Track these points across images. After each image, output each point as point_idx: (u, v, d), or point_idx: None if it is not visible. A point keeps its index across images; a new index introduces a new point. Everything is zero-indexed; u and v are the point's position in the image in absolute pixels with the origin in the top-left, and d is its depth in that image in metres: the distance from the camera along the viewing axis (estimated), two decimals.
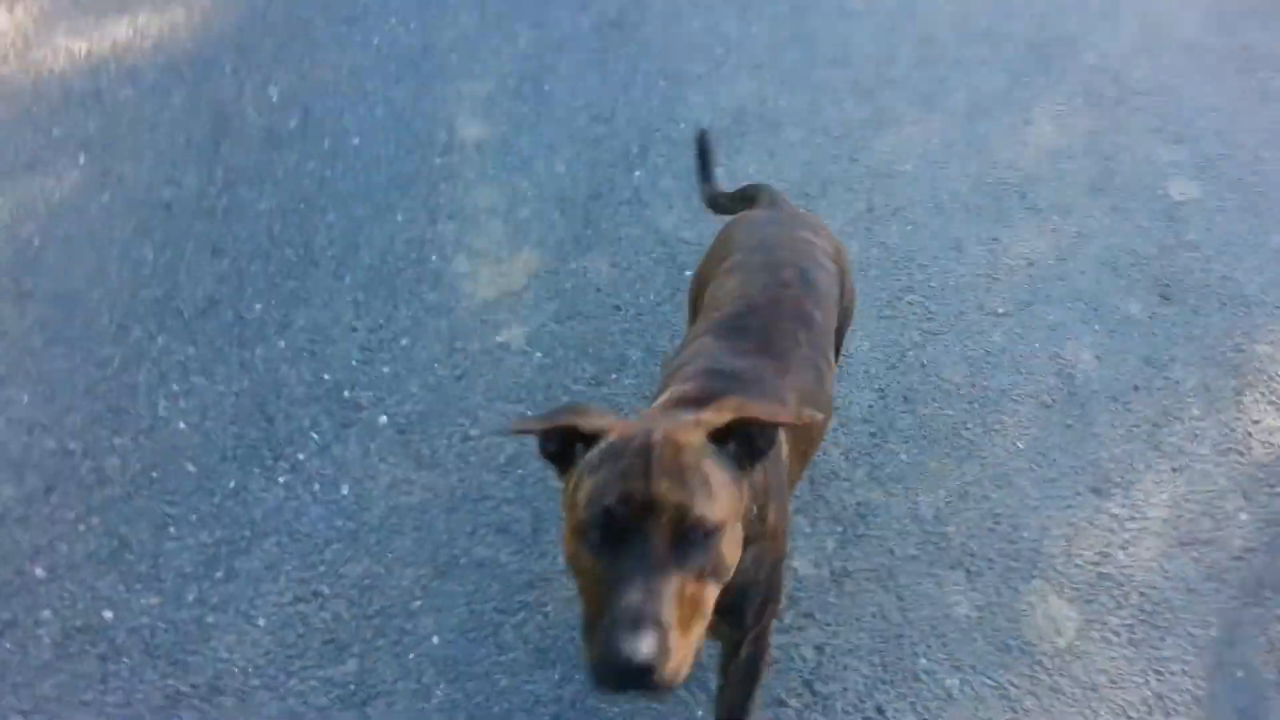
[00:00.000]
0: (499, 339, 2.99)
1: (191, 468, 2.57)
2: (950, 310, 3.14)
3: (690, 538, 1.21)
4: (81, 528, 2.41)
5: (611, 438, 1.32)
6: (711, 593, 1.25)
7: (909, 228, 3.42)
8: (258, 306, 3.06)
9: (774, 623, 1.87)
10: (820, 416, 1.60)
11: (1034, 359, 3.00)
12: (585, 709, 2.14)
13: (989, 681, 2.24)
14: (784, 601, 1.92)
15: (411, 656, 2.20)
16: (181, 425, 2.68)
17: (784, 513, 1.66)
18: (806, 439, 1.85)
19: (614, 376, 2.89)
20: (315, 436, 2.68)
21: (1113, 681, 2.25)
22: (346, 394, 2.81)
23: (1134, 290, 3.18)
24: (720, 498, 1.26)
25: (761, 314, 1.86)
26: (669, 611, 1.14)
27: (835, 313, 2.02)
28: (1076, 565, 2.47)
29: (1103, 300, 3.16)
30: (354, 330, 2.99)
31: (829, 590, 2.36)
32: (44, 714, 2.08)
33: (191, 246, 3.22)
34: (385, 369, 2.89)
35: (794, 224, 2.15)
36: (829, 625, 2.31)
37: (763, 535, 1.53)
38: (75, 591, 2.28)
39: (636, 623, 1.11)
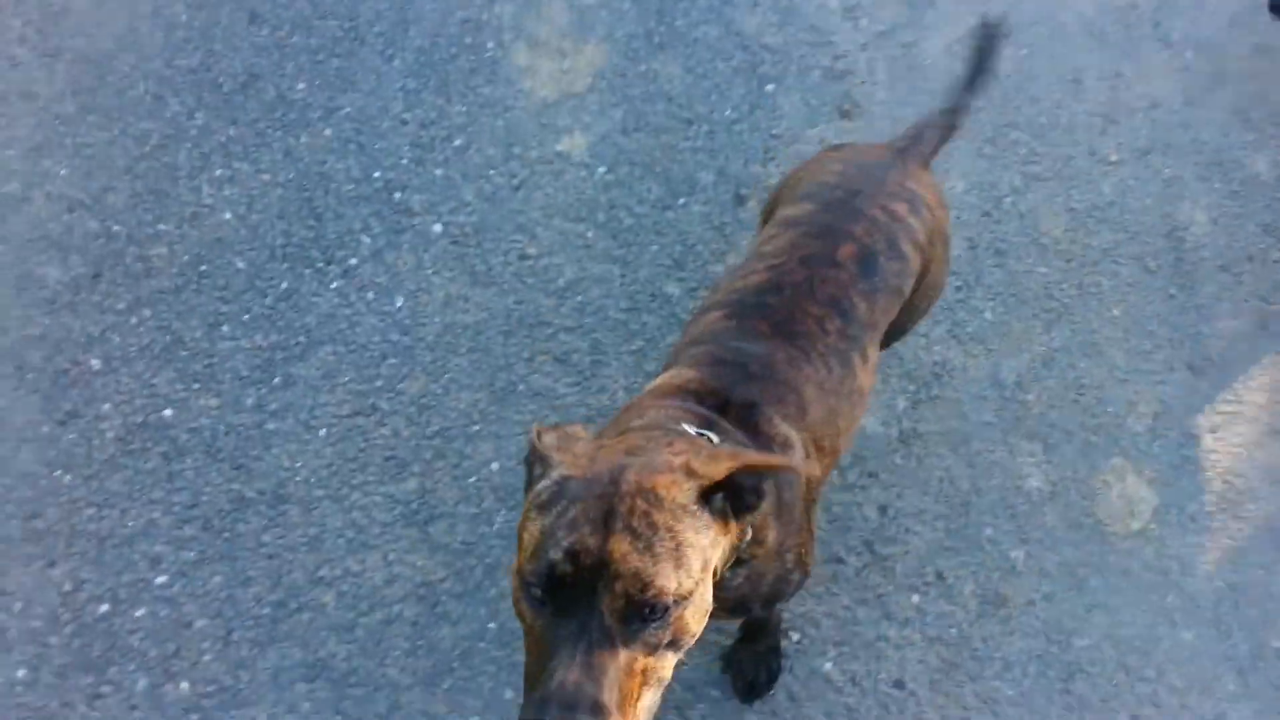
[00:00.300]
0: (559, 147, 3.11)
1: (241, 264, 2.76)
2: (1058, 153, 3.23)
3: (646, 612, 1.17)
4: (133, 320, 2.63)
5: (566, 469, 1.26)
6: (669, 663, 1.23)
7: (1024, 52, 3.44)
8: (301, 86, 3.16)
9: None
10: (812, 469, 1.58)
11: (1143, 216, 3.11)
12: None
13: (1055, 557, 2.51)
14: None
15: (472, 480, 2.46)
16: (227, 215, 2.85)
17: (793, 529, 1.63)
18: (831, 433, 1.77)
19: (681, 201, 3.02)
20: (367, 240, 2.86)
21: (1184, 568, 2.52)
22: (398, 196, 2.96)
23: (1265, 146, 3.24)
24: (691, 565, 1.21)
25: (789, 294, 1.77)
26: (610, 693, 1.13)
27: (894, 309, 1.90)
28: (1160, 445, 2.69)
29: (1228, 155, 3.24)
30: (404, 123, 3.11)
31: (896, 451, 2.59)
32: (115, 509, 2.37)
33: (227, 10, 3.28)
34: (438, 171, 3.03)
35: (897, 189, 1.94)
36: (894, 486, 2.56)
37: (760, 557, 1.53)
38: (133, 387, 2.53)
39: (571, 706, 1.10)
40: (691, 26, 3.39)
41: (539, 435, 1.33)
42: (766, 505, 1.45)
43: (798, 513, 1.65)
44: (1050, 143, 3.22)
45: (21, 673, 2.18)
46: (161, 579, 2.30)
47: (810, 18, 3.43)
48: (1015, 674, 2.37)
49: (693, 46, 3.34)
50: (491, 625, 2.29)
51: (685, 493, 1.24)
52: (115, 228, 2.79)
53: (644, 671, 1.18)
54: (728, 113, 3.20)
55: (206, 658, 2.22)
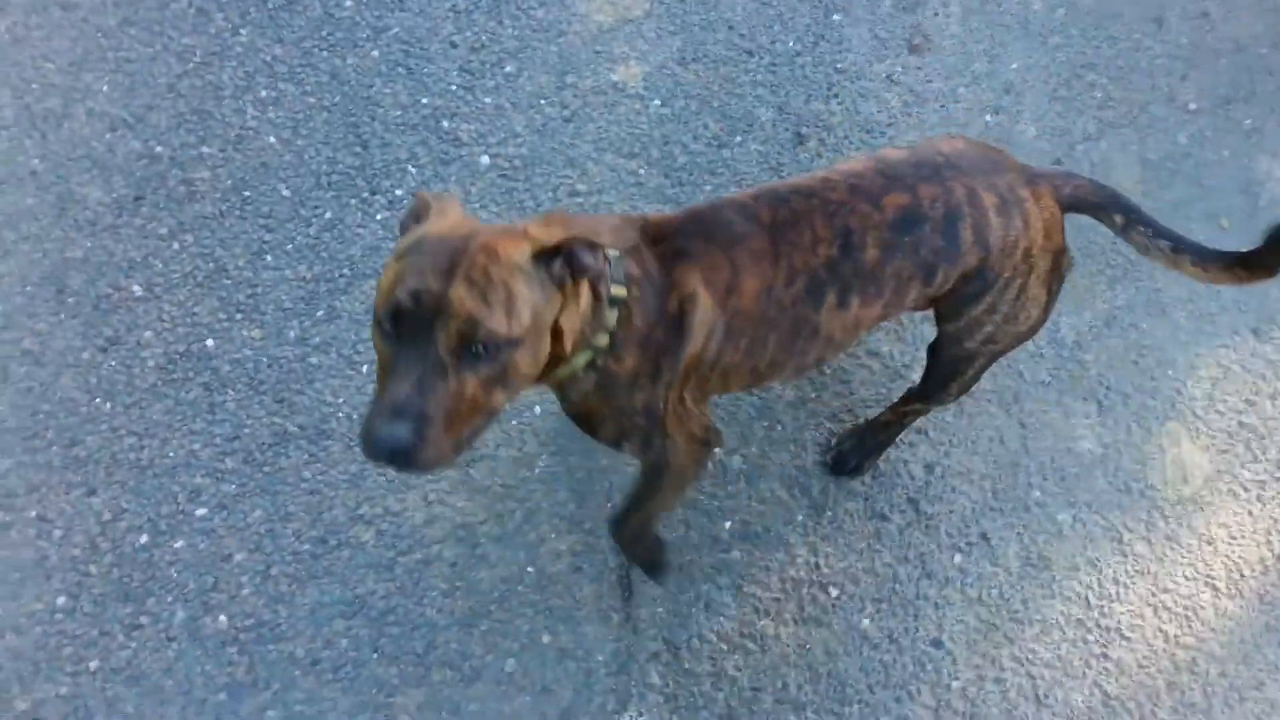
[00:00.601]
0: (614, 77, 3.07)
1: (285, 191, 2.78)
2: (1135, 99, 3.15)
3: (478, 349, 1.40)
4: (175, 245, 2.66)
5: (430, 229, 1.48)
6: (498, 397, 1.46)
7: None
8: (348, 3, 3.14)
9: (682, 463, 1.95)
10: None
11: (1219, 169, 3.04)
12: (684, 499, 2.45)
13: (1102, 521, 2.51)
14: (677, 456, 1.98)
15: (514, 423, 2.49)
16: (272, 139, 2.86)
17: (655, 376, 1.74)
18: (755, 341, 1.82)
19: (738, 139, 2.99)
20: (413, 170, 2.86)
21: (1232, 537, 2.52)
22: (446, 124, 2.95)
23: None
24: (521, 315, 1.43)
25: (813, 204, 1.79)
26: (435, 407, 1.37)
27: (911, 285, 1.84)
28: (1218, 411, 2.67)
29: None
30: (454, 46, 3.08)
31: (947, 409, 2.59)
32: (155, 439, 2.42)
33: None
34: (488, 99, 3.00)
35: (1001, 184, 1.85)
36: (942, 445, 2.56)
37: (614, 373, 1.71)
38: (175, 315, 2.57)
39: (399, 412, 1.36)
40: None
41: (422, 200, 1.55)
42: (635, 325, 1.67)
43: (668, 368, 1.75)
44: (1127, 86, 3.14)
45: (61, 600, 2.26)
46: (201, 511, 2.36)
47: None
48: (1054, 637, 2.39)
49: None
50: (530, 569, 2.34)
51: (521, 253, 1.46)
52: (158, 148, 2.80)
53: (473, 400, 1.41)
54: (791, 44, 3.14)
55: (245, 591, 2.29)
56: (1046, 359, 2.69)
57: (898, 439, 2.51)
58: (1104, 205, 1.98)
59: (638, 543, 2.25)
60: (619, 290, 1.65)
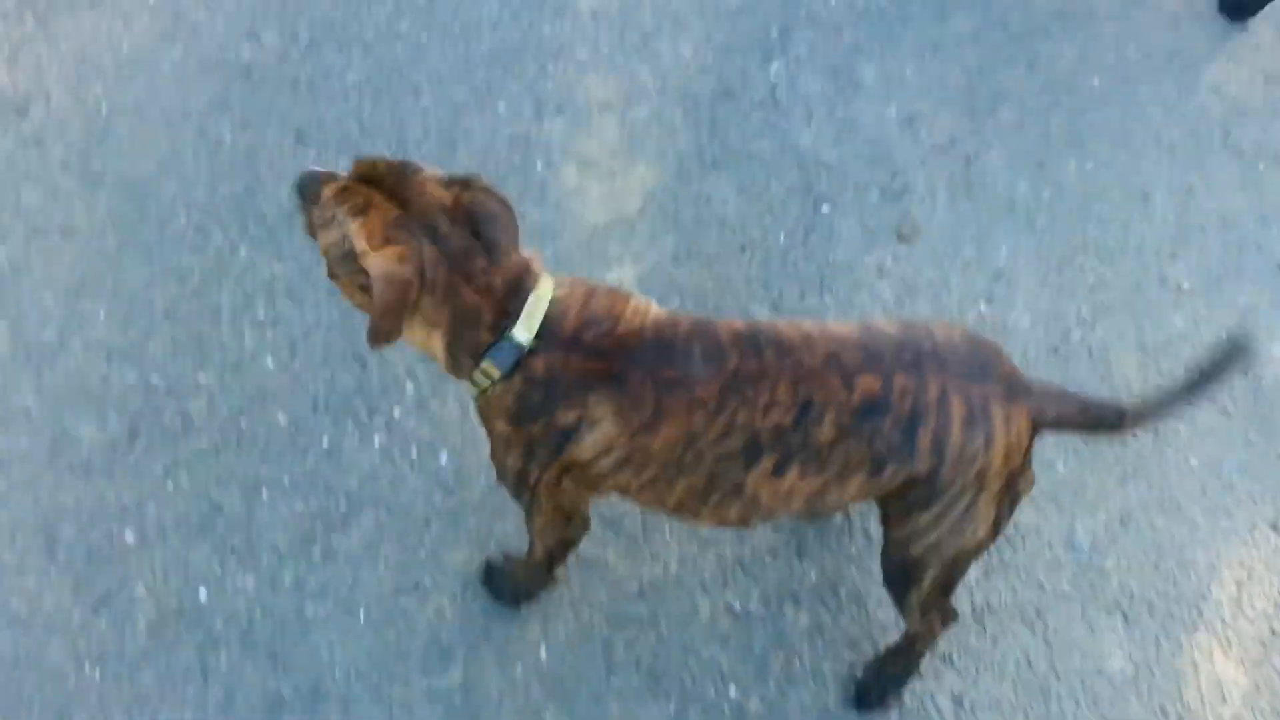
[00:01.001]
0: (609, 277, 2.82)
1: (282, 418, 2.49)
2: (1127, 280, 2.89)
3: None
4: (170, 486, 2.36)
5: (421, 186, 1.56)
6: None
7: (1089, 165, 3.11)
8: None
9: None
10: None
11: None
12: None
13: None
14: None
15: (518, 670, 2.17)
16: (270, 363, 2.58)
17: (524, 455, 1.66)
18: (660, 481, 1.66)
19: None
20: (411, 388, 2.57)
21: None
22: None
23: None
24: (326, 248, 1.55)
25: (784, 365, 1.57)
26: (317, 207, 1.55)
27: (854, 476, 1.62)
28: (1247, 618, 2.35)
29: None
30: None
31: (970, 630, 2.27)
32: (145, 711, 2.09)
33: (274, 127, 3.01)
34: None
35: (976, 396, 1.59)
36: (969, 672, 2.24)
37: (489, 413, 1.67)
38: (168, 564, 2.26)
39: (303, 181, 1.58)
40: (745, 141, 3.10)
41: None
42: (505, 405, 1.60)
43: (544, 455, 1.63)
44: (1118, 267, 2.90)
45: None
46: None
47: (868, 130, 3.12)
48: None
49: (746, 164, 3.05)
50: None
51: (369, 243, 1.48)
52: (154, 379, 2.52)
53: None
54: (781, 239, 2.90)
55: None
56: (1065, 567, 2.39)
57: (921, 667, 2.19)
58: (1090, 428, 1.74)
59: (500, 580, 2.19)
60: (491, 370, 1.56)
